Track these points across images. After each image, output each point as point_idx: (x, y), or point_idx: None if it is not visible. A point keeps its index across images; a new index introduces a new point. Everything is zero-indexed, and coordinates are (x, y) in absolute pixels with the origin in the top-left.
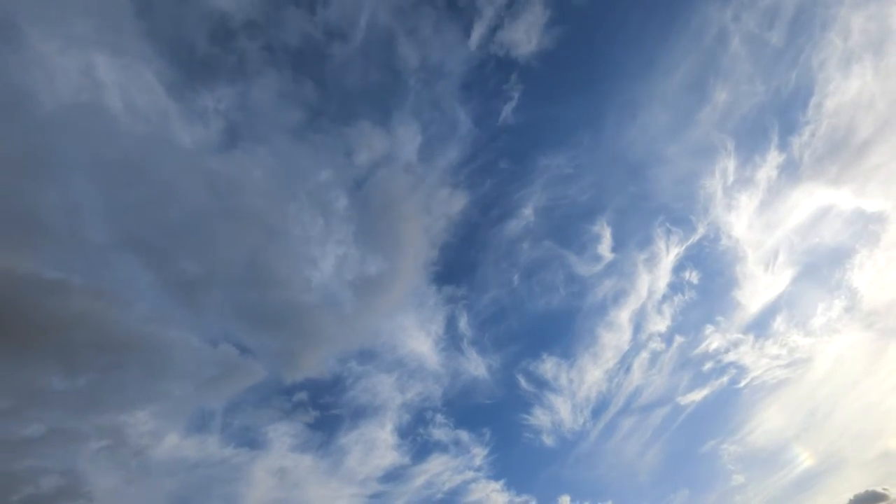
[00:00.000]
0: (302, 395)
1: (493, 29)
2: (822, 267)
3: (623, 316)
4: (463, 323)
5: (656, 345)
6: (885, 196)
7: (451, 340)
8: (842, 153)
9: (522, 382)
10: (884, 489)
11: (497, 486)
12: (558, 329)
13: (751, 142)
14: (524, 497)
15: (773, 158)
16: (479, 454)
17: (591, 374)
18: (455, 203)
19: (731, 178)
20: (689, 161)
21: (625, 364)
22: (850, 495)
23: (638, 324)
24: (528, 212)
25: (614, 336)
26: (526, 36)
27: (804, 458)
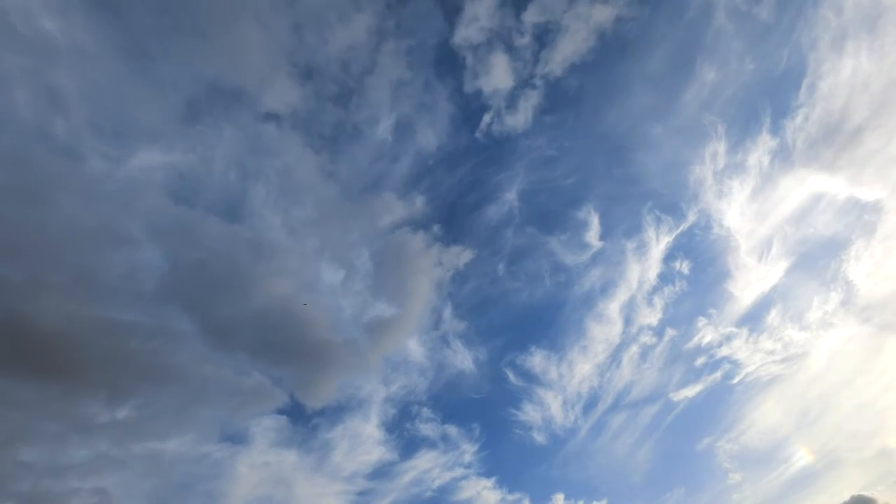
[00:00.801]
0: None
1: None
2: (816, 258)
3: (613, 307)
4: (447, 313)
5: (648, 338)
6: (882, 184)
7: (436, 331)
8: (836, 138)
9: (510, 376)
10: (872, 494)
11: (488, 483)
12: (546, 320)
13: (741, 124)
14: (517, 495)
15: (765, 142)
16: (469, 450)
17: (582, 368)
18: (463, 257)
19: (721, 163)
20: (676, 144)
21: (616, 358)
22: (849, 494)
23: (628, 316)
24: (510, 195)
25: (604, 329)
26: None
27: (800, 457)
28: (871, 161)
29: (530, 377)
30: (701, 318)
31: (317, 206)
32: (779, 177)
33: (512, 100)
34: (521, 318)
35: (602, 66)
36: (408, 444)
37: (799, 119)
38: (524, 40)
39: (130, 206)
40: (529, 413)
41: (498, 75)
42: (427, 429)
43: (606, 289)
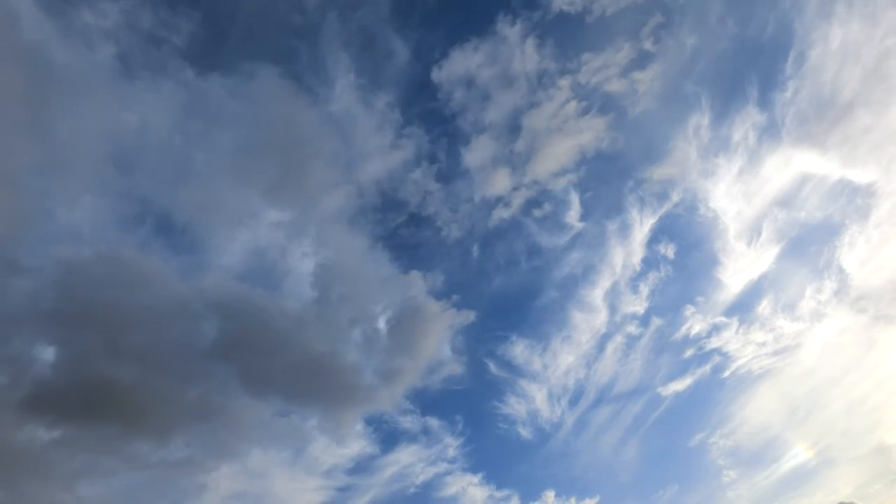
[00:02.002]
0: None
1: None
2: (808, 244)
3: (596, 294)
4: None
5: (634, 328)
6: (876, 164)
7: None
8: (827, 114)
9: (491, 367)
10: (869, 492)
11: (475, 479)
12: (525, 307)
13: (726, 95)
14: (505, 492)
15: (752, 117)
16: (452, 445)
17: (566, 359)
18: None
19: (706, 138)
20: (657, 113)
21: (602, 349)
22: (845, 492)
23: (613, 303)
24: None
25: (589, 317)
26: None
27: (796, 453)
28: (863, 139)
29: (512, 368)
30: (689, 306)
31: (353, 283)
32: (767, 155)
33: None
34: (500, 304)
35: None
36: (388, 437)
37: (788, 92)
38: None
39: (200, 286)
40: (514, 406)
41: None
42: (406, 421)
43: (588, 273)
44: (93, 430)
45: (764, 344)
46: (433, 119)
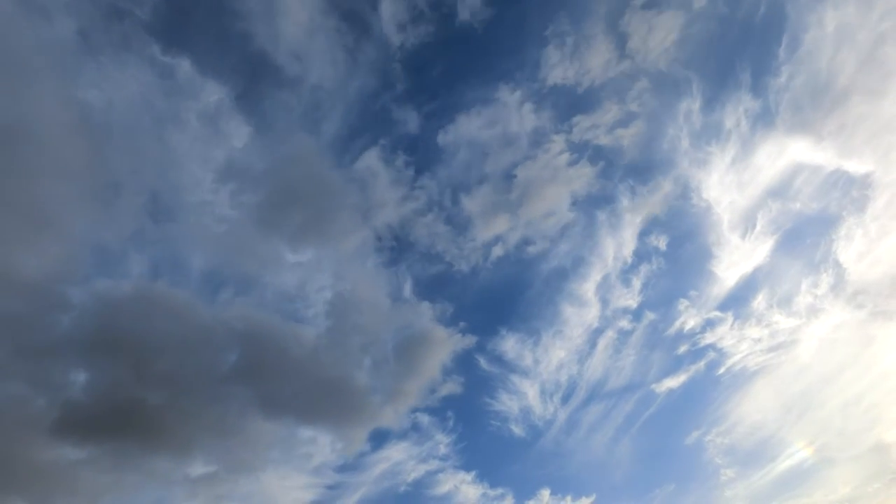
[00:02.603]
0: None
1: None
2: (804, 237)
3: (588, 287)
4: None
5: (626, 322)
6: (872, 154)
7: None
8: (823, 101)
9: (482, 362)
10: (868, 491)
11: (468, 477)
12: (515, 300)
13: (717, 79)
14: (499, 490)
15: (745, 103)
16: (444, 441)
17: (558, 354)
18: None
19: (697, 124)
20: (644, 98)
21: (594, 344)
22: (844, 491)
23: (604, 297)
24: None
25: (580, 311)
26: None
27: (794, 452)
28: (859, 128)
29: (503, 363)
30: (682, 300)
31: (366, 314)
32: (761, 143)
33: None
34: (488, 296)
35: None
36: (377, 434)
37: (783, 78)
38: None
39: (223, 316)
40: (506, 403)
41: None
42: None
43: (578, 266)
44: (117, 448)
45: (759, 340)
46: (441, 173)
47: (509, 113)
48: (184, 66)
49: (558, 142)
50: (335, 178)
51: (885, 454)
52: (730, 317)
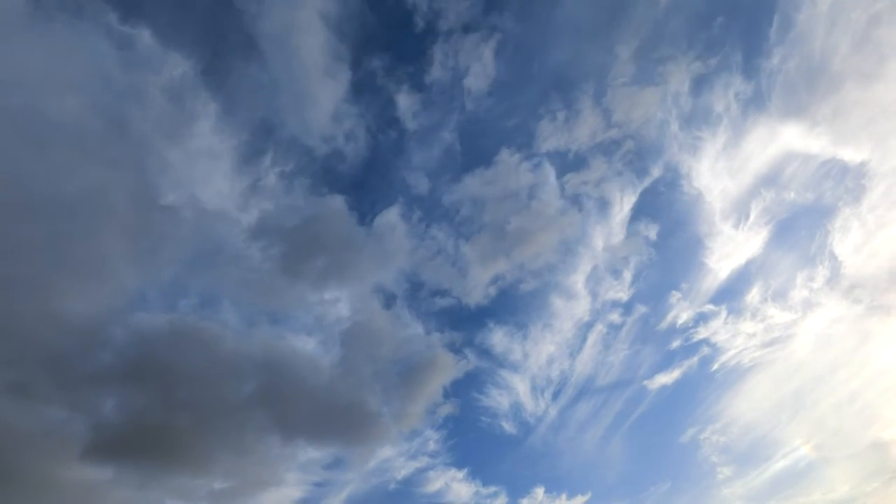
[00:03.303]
0: None
1: None
2: (799, 228)
3: (577, 278)
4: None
5: (617, 316)
6: (868, 141)
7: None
8: (816, 85)
9: (470, 356)
10: (867, 490)
11: (459, 474)
12: (502, 292)
13: (706, 59)
14: (492, 488)
15: (736, 85)
16: (433, 438)
17: (548, 348)
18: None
19: (686, 106)
20: (628, 77)
21: (585, 338)
22: (843, 490)
23: (594, 289)
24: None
25: (570, 304)
26: None
27: (789, 450)
28: (854, 113)
29: (491, 357)
30: (674, 292)
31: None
32: (753, 128)
33: None
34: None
35: None
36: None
37: (775, 60)
38: None
39: (246, 346)
40: (496, 398)
41: None
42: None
43: (567, 256)
44: (143, 467)
45: (754, 335)
46: (449, 225)
47: (507, 172)
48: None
49: (551, 195)
50: (358, 233)
51: (884, 452)
52: (723, 311)
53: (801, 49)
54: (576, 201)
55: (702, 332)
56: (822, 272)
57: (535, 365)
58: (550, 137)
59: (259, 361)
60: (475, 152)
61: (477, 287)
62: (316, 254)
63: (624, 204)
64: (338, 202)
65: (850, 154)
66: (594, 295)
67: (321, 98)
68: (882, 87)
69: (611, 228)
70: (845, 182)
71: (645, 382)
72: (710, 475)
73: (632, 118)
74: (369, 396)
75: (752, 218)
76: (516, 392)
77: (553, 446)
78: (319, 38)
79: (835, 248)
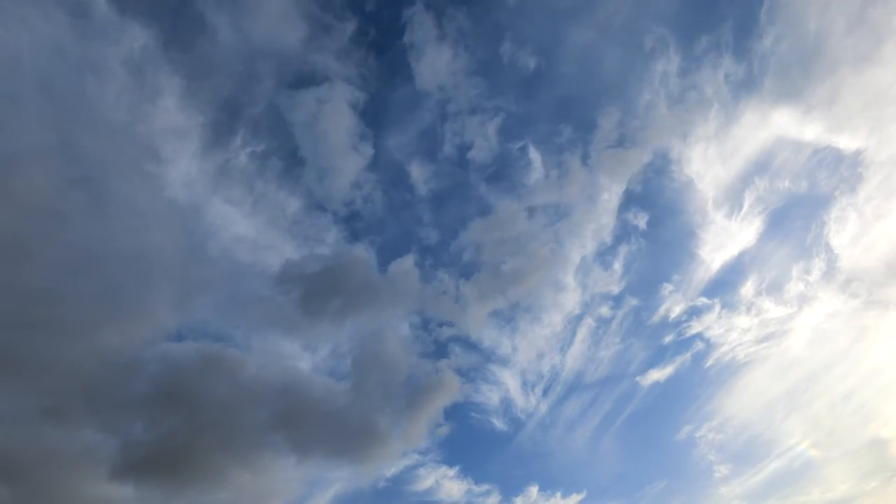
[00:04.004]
0: None
1: None
2: (794, 218)
3: (567, 270)
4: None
5: (608, 309)
6: (865, 128)
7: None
8: (811, 68)
9: (457, 350)
10: (866, 489)
11: (450, 472)
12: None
13: (695, 38)
14: (485, 486)
15: (726, 66)
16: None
17: (538, 343)
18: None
19: (674, 87)
20: (614, 56)
21: (576, 333)
22: (842, 489)
23: (583, 281)
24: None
25: (559, 296)
26: None
27: (787, 449)
28: (849, 99)
29: (480, 350)
30: (666, 284)
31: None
32: (745, 112)
33: None
34: (458, 275)
35: None
36: None
37: (767, 40)
38: None
39: (265, 373)
40: (486, 394)
41: None
42: None
43: (555, 246)
44: (167, 485)
45: (748, 329)
46: (453, 268)
47: (505, 220)
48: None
49: (543, 238)
50: (376, 278)
51: (883, 451)
52: (717, 304)
53: (794, 30)
54: (565, 241)
55: (695, 327)
56: (817, 265)
57: (525, 360)
58: (541, 192)
59: (277, 387)
60: (476, 206)
61: (478, 320)
62: (335, 295)
63: (612, 191)
64: (358, 251)
65: (846, 141)
66: (584, 287)
67: (347, 168)
68: (878, 71)
69: (599, 216)
70: (841, 171)
71: (638, 378)
72: (707, 474)
73: (615, 178)
74: (379, 418)
75: (745, 207)
76: (506, 387)
77: (546, 444)
78: (347, 121)
79: (831, 240)
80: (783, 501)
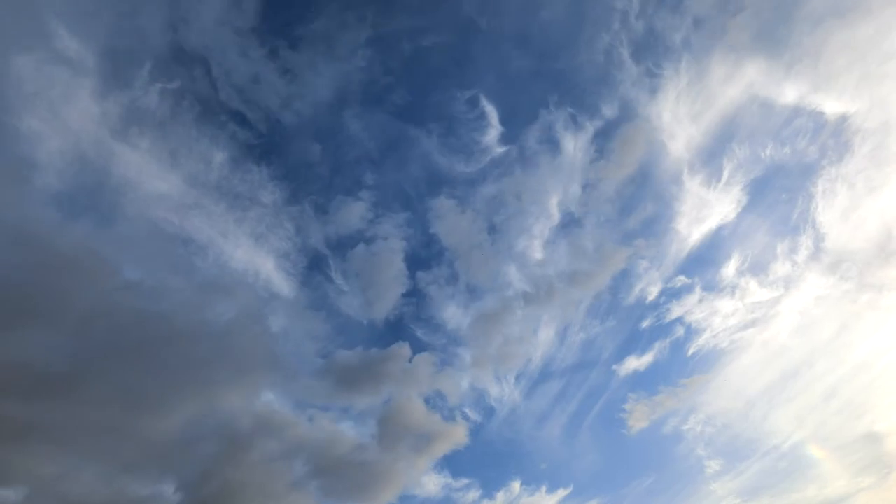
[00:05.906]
0: None
1: None
2: (778, 189)
3: (533, 238)
4: (316, 239)
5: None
6: (853, 86)
7: (307, 263)
8: (793, 19)
9: (419, 333)
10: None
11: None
12: (440, 252)
13: None
14: (463, 480)
15: (697, 8)
16: None
17: (508, 326)
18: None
19: (638, 31)
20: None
21: (550, 313)
22: (838, 486)
23: (551, 256)
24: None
25: (526, 270)
26: None
27: (779, 443)
28: (837, 57)
29: (445, 334)
30: (640, 261)
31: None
32: (721, 72)
33: None
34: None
35: None
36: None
37: None
38: None
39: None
40: (454, 380)
41: None
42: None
43: (518, 214)
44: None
45: (733, 314)
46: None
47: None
48: None
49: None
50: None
51: (877, 446)
52: (697, 285)
53: None
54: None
55: (675, 311)
56: (804, 243)
57: (494, 346)
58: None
59: (313, 442)
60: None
61: (473, 391)
62: (366, 378)
63: (577, 152)
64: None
65: (832, 104)
66: (552, 263)
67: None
68: (865, 25)
69: (568, 182)
70: (825, 136)
71: (616, 366)
72: (697, 469)
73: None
74: (398, 464)
75: (724, 176)
76: (476, 374)
77: (524, 436)
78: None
79: (818, 216)
80: (779, 497)
